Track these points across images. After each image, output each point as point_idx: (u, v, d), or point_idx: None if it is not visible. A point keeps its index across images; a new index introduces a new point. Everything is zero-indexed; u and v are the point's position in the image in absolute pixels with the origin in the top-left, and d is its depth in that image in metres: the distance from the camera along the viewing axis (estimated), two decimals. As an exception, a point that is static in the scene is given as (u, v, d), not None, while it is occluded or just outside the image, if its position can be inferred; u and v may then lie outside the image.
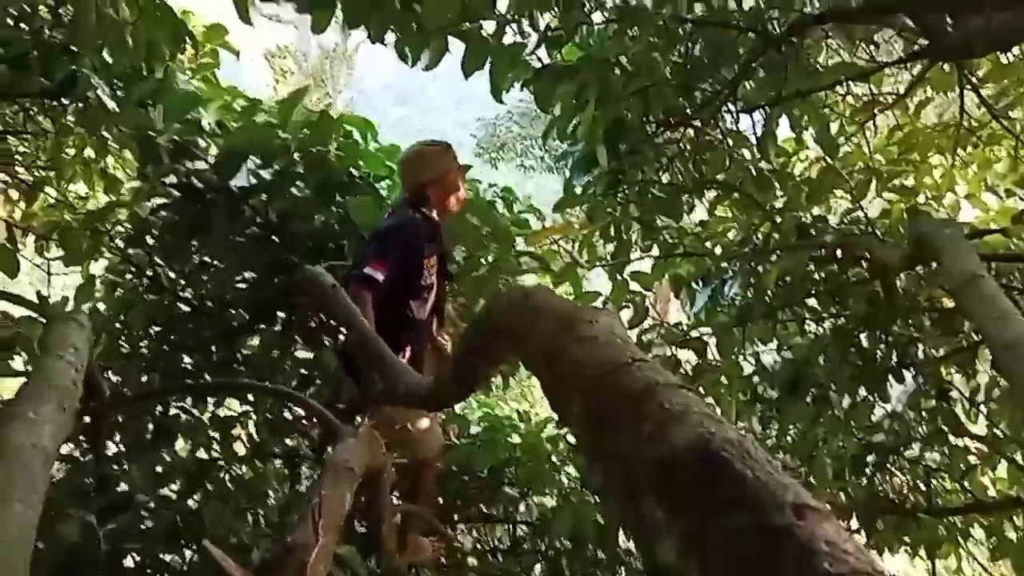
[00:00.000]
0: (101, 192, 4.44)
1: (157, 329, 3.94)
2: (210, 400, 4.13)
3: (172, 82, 3.64)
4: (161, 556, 2.31)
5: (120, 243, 4.03)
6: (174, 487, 3.06)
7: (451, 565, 3.82)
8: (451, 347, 3.65)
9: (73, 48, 3.34)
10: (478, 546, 4.37)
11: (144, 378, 3.84)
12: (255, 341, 4.12)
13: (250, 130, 3.80)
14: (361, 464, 2.11)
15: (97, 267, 4.25)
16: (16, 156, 4.36)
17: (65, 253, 4.04)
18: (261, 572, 1.82)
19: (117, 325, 3.93)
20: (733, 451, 0.70)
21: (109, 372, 3.79)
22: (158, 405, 3.93)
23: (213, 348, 3.96)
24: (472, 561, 4.07)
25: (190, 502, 3.02)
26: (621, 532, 3.58)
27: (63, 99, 3.57)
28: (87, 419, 2.86)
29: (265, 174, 3.82)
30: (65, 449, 3.10)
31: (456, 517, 4.34)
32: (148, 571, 2.28)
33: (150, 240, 3.93)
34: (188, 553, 2.35)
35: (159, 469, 3.46)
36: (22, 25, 3.46)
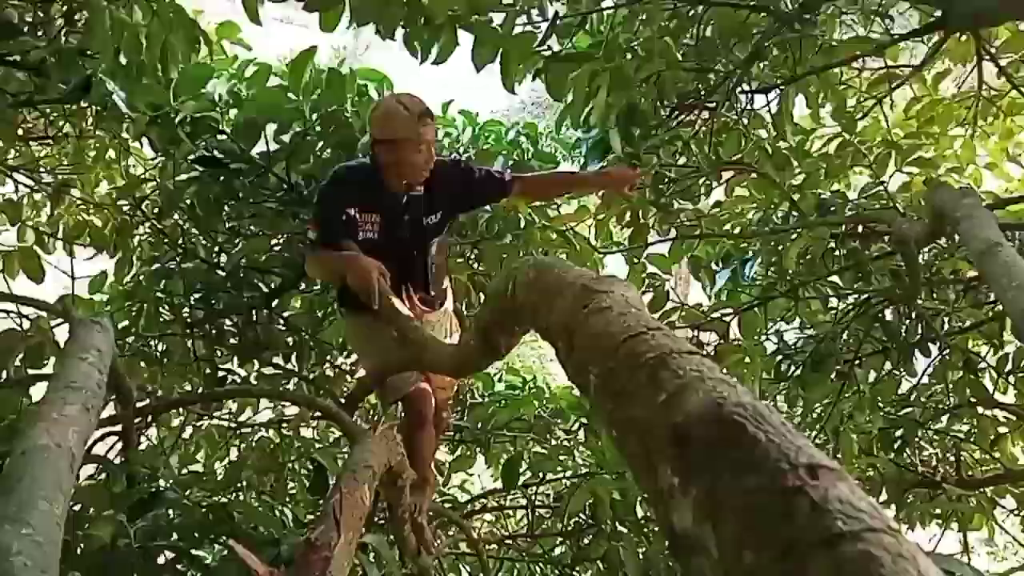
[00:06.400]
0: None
1: (197, 296, 4.05)
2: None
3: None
4: (192, 551, 2.34)
5: (152, 220, 4.14)
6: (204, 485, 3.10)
7: (471, 554, 3.84)
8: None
9: (88, 52, 3.37)
10: (494, 531, 4.43)
11: (189, 343, 4.00)
12: (298, 303, 4.29)
13: (264, 96, 3.78)
14: (380, 463, 2.14)
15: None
16: (39, 162, 4.44)
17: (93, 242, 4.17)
18: (287, 566, 1.85)
19: (158, 294, 4.03)
20: (746, 414, 0.71)
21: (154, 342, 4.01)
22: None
23: (254, 311, 4.08)
24: (492, 547, 4.11)
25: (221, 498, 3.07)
26: (638, 504, 3.59)
27: (81, 103, 3.62)
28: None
29: (285, 138, 3.81)
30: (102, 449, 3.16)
31: (473, 508, 4.42)
32: (179, 566, 2.31)
33: (180, 213, 4.02)
34: (218, 547, 2.39)
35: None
36: (39, 33, 3.52)
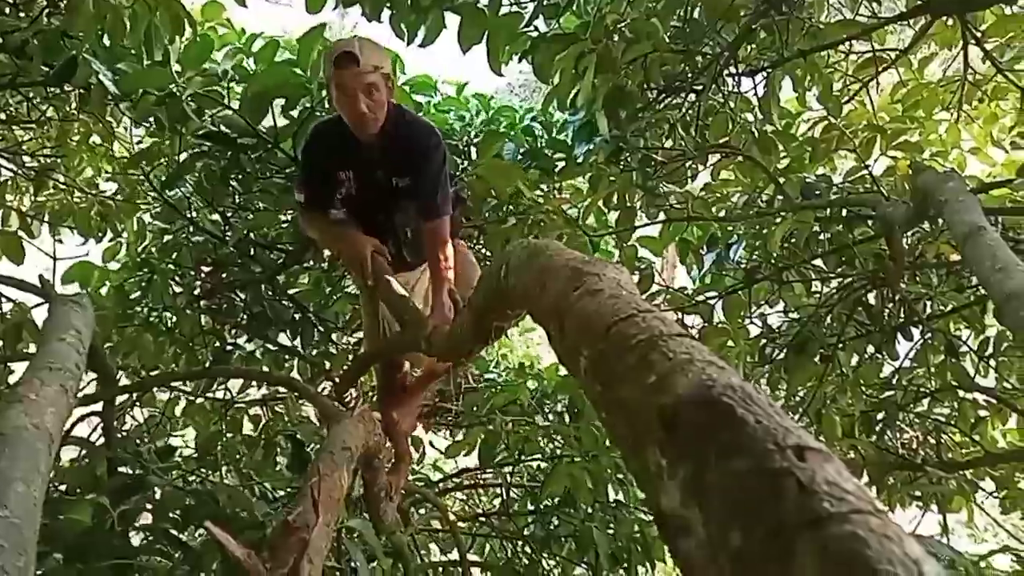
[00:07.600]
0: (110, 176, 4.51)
1: (207, 269, 4.09)
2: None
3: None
4: (174, 533, 2.33)
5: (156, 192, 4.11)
6: (186, 467, 3.10)
7: (445, 531, 3.86)
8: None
9: (71, 34, 3.32)
10: (466, 509, 4.46)
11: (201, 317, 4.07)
12: (305, 278, 4.35)
13: (272, 71, 3.69)
14: (358, 445, 2.15)
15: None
16: (22, 145, 4.39)
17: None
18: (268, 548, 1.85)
19: (170, 266, 4.05)
20: (734, 396, 0.71)
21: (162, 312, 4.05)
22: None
23: (261, 286, 4.11)
24: (465, 524, 4.16)
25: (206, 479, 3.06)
26: (609, 486, 3.65)
27: (65, 86, 3.56)
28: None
29: (293, 114, 3.75)
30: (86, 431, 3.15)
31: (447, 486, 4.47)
32: (160, 548, 2.31)
33: (188, 187, 4.00)
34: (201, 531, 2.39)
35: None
36: (21, 14, 3.46)
